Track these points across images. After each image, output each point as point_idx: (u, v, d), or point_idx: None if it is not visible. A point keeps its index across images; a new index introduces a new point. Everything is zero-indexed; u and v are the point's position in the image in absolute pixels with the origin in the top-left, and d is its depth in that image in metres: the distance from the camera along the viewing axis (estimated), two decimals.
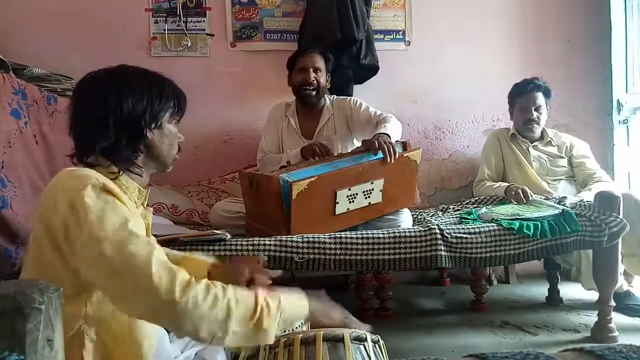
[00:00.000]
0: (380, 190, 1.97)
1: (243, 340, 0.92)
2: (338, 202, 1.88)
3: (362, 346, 0.90)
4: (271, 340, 0.94)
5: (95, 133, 1.01)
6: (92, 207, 0.90)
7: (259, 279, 1.17)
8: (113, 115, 1.01)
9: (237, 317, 0.91)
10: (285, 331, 0.98)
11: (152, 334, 1.03)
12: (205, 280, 0.93)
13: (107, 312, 0.96)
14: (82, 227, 0.89)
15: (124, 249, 0.89)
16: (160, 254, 0.92)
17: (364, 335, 0.92)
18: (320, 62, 2.41)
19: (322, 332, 0.90)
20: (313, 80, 2.37)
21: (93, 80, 1.09)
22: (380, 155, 1.94)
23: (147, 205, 1.14)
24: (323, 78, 2.42)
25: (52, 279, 0.89)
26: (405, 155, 2.02)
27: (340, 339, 0.89)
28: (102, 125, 1.01)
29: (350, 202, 1.92)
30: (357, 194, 1.92)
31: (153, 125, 1.06)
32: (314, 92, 2.39)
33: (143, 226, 1.01)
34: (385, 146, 1.93)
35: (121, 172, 1.03)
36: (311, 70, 2.37)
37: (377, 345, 0.94)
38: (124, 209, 0.95)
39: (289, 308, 0.97)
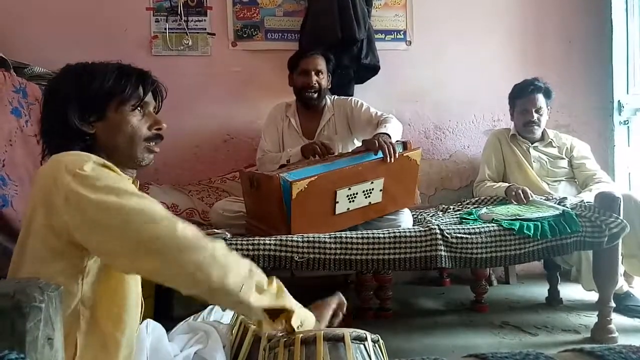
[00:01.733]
0: (381, 190, 1.97)
1: (267, 299, 0.92)
2: (338, 202, 1.88)
3: (362, 346, 0.90)
4: (292, 307, 0.95)
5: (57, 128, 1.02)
6: (99, 177, 0.88)
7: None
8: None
9: (261, 276, 0.93)
10: (301, 326, 0.99)
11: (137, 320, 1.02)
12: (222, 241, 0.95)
13: (102, 292, 0.94)
14: (90, 198, 0.85)
15: (142, 202, 0.87)
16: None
17: (364, 335, 0.92)
18: (322, 64, 2.42)
19: (322, 332, 0.90)
20: (315, 84, 2.38)
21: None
22: (380, 155, 1.94)
23: None
24: (324, 80, 2.42)
25: (48, 261, 0.88)
26: (405, 155, 2.02)
27: (341, 339, 0.89)
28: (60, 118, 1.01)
29: (350, 202, 1.92)
30: (357, 194, 1.92)
31: (92, 118, 1.02)
32: (315, 95, 2.40)
33: None
34: (386, 146, 1.93)
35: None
36: (313, 73, 2.38)
37: (377, 345, 0.94)
38: (127, 181, 0.94)
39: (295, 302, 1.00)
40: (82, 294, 0.91)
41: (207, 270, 0.86)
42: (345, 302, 1.14)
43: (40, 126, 1.06)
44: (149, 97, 1.09)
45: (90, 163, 0.90)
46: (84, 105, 1.02)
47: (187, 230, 0.88)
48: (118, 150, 1.05)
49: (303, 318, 0.99)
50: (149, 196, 1.02)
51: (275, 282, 0.97)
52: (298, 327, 0.96)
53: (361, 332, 0.92)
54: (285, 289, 0.98)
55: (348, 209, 1.93)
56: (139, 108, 1.06)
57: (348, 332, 0.90)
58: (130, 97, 1.05)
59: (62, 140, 1.00)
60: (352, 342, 0.89)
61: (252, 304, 0.90)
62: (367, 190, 1.94)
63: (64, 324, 0.71)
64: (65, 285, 0.85)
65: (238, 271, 0.90)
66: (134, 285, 1.00)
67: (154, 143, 1.10)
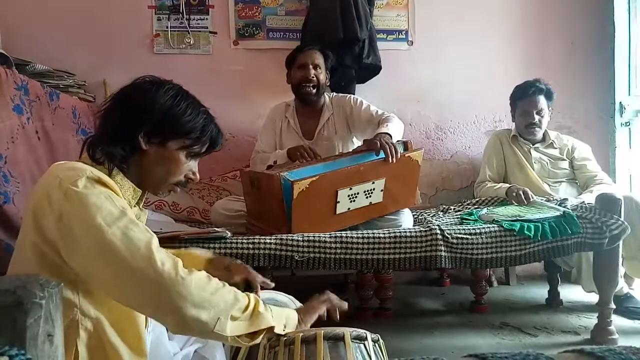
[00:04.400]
0: (382, 190, 1.97)
1: (243, 327, 0.92)
2: (339, 202, 1.88)
3: (362, 345, 0.90)
4: (269, 324, 0.95)
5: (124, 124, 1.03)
6: (89, 196, 0.89)
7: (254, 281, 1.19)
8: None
9: (237, 303, 0.93)
10: (284, 329, 0.98)
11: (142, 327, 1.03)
12: (203, 271, 0.95)
13: (103, 303, 0.95)
14: (79, 216, 0.87)
15: (124, 234, 0.88)
16: (157, 242, 0.92)
17: (364, 335, 0.92)
18: (319, 59, 2.39)
19: (322, 331, 0.90)
20: (313, 77, 2.34)
21: (160, 83, 1.09)
22: (382, 155, 1.94)
23: (147, 205, 1.14)
24: (322, 75, 2.39)
25: (42, 269, 0.89)
26: (407, 155, 2.02)
27: (341, 338, 0.89)
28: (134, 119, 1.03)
29: (351, 202, 1.92)
30: (358, 194, 1.92)
31: (154, 139, 1.04)
32: (313, 90, 2.36)
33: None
34: (387, 146, 1.93)
35: (113, 168, 1.01)
36: (310, 67, 2.35)
37: (377, 345, 0.94)
38: (120, 200, 0.95)
39: (274, 309, 1.00)
40: (80, 303, 0.92)
41: (181, 304, 0.86)
42: (338, 304, 1.13)
43: (100, 116, 1.06)
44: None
45: (83, 179, 0.91)
46: (160, 126, 1.04)
47: (164, 265, 0.88)
48: (148, 177, 1.07)
49: (285, 320, 0.99)
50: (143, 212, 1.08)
51: (253, 304, 0.95)
52: (283, 330, 0.97)
53: (361, 331, 0.92)
54: (262, 306, 0.97)
55: (349, 208, 1.92)
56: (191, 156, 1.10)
57: (348, 332, 0.90)
58: (195, 149, 1.09)
59: (108, 139, 1.02)
60: (352, 341, 0.89)
61: (227, 334, 0.90)
62: (368, 191, 1.94)
63: (64, 334, 0.72)
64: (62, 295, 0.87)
65: (217, 303, 0.90)
66: None
67: (179, 187, 1.13)
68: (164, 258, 0.89)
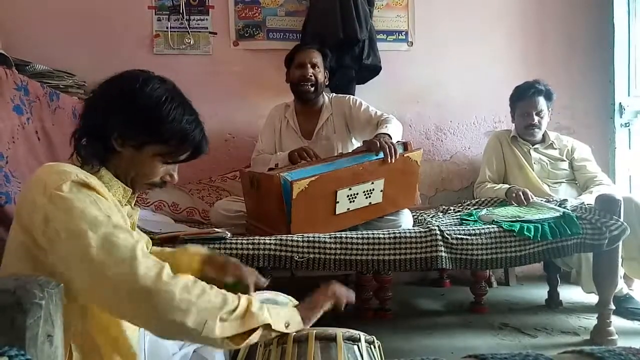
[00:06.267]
0: (381, 191, 1.97)
1: (233, 327, 0.87)
2: (338, 202, 1.88)
3: (355, 346, 0.90)
4: (265, 321, 0.89)
5: (103, 122, 0.98)
6: (74, 201, 0.87)
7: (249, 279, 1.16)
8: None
9: (225, 306, 0.87)
10: (287, 328, 0.95)
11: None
12: (189, 275, 0.91)
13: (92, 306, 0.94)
14: (63, 221, 0.86)
15: (107, 241, 0.85)
16: (144, 246, 0.90)
17: (358, 336, 0.91)
18: (317, 58, 2.40)
19: (314, 331, 0.90)
20: (311, 76, 2.35)
21: (150, 77, 1.04)
22: (381, 155, 1.94)
23: (147, 205, 1.13)
24: (321, 74, 2.40)
25: (31, 270, 0.88)
26: (406, 155, 2.02)
27: (333, 339, 0.89)
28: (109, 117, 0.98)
29: (350, 202, 1.92)
30: (357, 194, 1.92)
31: (129, 142, 0.99)
32: (312, 88, 2.37)
33: (127, 222, 1.00)
34: (387, 146, 1.93)
35: (100, 167, 0.99)
36: (309, 65, 2.36)
37: (371, 346, 0.93)
38: (106, 203, 0.92)
39: (272, 308, 0.94)
40: (69, 304, 0.90)
41: (167, 311, 0.83)
42: (344, 292, 1.07)
43: (82, 107, 1.03)
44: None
45: (68, 183, 0.89)
46: (137, 129, 0.99)
47: (148, 271, 0.84)
48: (125, 176, 1.03)
49: (287, 319, 0.94)
50: (132, 212, 1.05)
51: (243, 303, 0.90)
52: (287, 327, 0.93)
53: (355, 332, 0.92)
54: (256, 306, 0.91)
55: (348, 209, 1.92)
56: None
57: (341, 332, 0.90)
58: (173, 157, 1.04)
59: (86, 136, 0.99)
60: (344, 342, 0.89)
61: (216, 336, 0.85)
62: (367, 191, 1.94)
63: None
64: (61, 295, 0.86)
65: (204, 306, 0.85)
66: None
67: (155, 187, 1.09)
68: (148, 264, 0.86)
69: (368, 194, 1.95)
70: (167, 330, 0.85)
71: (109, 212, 0.91)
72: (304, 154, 2.16)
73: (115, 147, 0.99)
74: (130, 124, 0.98)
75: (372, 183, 1.94)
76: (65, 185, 0.88)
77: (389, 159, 1.93)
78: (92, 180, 0.94)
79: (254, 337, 0.89)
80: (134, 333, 1.02)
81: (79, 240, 0.85)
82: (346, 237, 1.82)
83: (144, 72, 1.04)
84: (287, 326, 0.93)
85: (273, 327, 0.91)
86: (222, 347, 0.89)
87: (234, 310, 0.88)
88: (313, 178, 1.78)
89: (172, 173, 1.08)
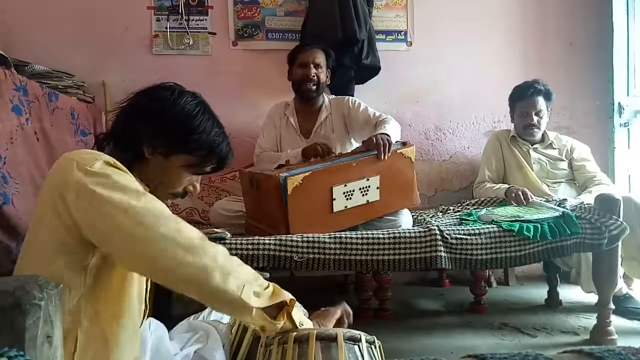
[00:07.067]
0: (377, 188, 1.98)
1: (265, 300, 0.91)
2: (335, 199, 1.89)
3: (356, 346, 0.90)
4: (290, 297, 0.95)
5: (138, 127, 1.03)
6: (110, 174, 0.90)
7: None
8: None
9: (259, 279, 0.93)
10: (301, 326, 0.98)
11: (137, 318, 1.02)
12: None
13: (104, 289, 0.94)
14: (101, 184, 0.87)
15: (151, 204, 0.89)
16: None
17: (359, 336, 0.91)
18: (321, 58, 2.41)
19: (315, 331, 0.90)
20: (313, 76, 2.37)
21: (182, 92, 1.08)
22: (375, 152, 1.95)
23: None
24: (323, 74, 2.42)
25: (55, 255, 0.89)
26: (398, 151, 2.03)
27: (334, 339, 0.89)
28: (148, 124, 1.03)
29: (347, 199, 1.92)
30: (353, 191, 1.92)
31: (159, 149, 1.04)
32: (314, 87, 2.39)
33: None
34: (381, 143, 1.94)
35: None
36: (312, 65, 2.37)
37: (372, 346, 0.93)
38: (136, 182, 0.95)
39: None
40: (85, 289, 0.92)
41: (210, 272, 0.86)
42: (350, 311, 1.13)
43: (114, 114, 1.07)
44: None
45: (100, 162, 0.91)
46: (168, 139, 1.04)
47: (192, 232, 0.89)
48: (149, 182, 1.06)
49: (302, 318, 0.98)
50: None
51: (272, 285, 0.97)
52: (300, 324, 0.96)
53: (356, 332, 0.92)
54: (282, 290, 0.97)
55: (346, 206, 1.93)
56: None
57: (341, 332, 0.90)
58: (199, 167, 1.09)
59: (116, 141, 1.04)
60: (345, 342, 0.89)
61: (252, 305, 0.89)
62: (363, 188, 1.95)
63: (65, 319, 0.71)
64: (69, 280, 0.89)
65: (238, 275, 0.90)
66: (136, 284, 1.00)
67: (176, 197, 1.13)
68: (191, 227, 0.90)
69: (364, 191, 1.95)
70: (210, 291, 0.87)
71: (139, 187, 0.93)
72: (318, 150, 2.17)
73: (145, 154, 1.03)
74: (163, 133, 1.03)
75: (368, 180, 1.95)
76: (97, 162, 0.91)
77: (382, 156, 1.94)
78: (121, 165, 0.96)
79: (280, 322, 0.93)
80: (137, 330, 1.02)
81: (120, 207, 0.86)
82: (346, 237, 1.82)
83: (177, 85, 1.09)
84: (301, 324, 0.97)
85: (292, 314, 0.95)
86: (253, 318, 0.91)
87: (267, 286, 0.94)
88: (307, 173, 1.80)
89: (195, 184, 1.12)
